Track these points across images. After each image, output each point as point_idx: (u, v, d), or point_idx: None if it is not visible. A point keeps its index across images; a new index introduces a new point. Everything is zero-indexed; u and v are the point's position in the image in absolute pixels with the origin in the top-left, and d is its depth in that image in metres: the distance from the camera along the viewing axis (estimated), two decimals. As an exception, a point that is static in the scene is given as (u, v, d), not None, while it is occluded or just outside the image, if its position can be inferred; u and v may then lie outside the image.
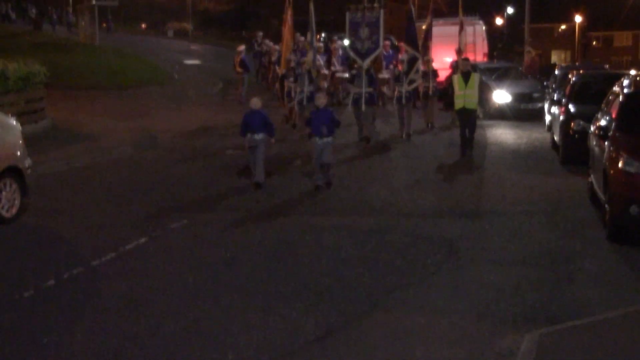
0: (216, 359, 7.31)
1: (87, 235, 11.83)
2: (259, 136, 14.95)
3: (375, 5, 21.71)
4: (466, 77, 18.63)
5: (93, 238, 11.62)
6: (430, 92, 23.39)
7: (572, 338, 7.58)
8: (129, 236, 11.63)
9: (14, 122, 13.65)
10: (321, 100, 15.11)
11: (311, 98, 20.59)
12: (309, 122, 15.28)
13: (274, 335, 7.87)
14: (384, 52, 26.46)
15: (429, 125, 23.88)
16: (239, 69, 30.60)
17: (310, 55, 22.64)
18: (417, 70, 21.83)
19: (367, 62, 21.04)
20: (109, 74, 39.04)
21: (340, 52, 29.32)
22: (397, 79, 22.17)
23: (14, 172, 12.74)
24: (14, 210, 12.63)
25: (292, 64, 23.24)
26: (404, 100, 21.45)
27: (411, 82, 21.62)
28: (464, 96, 18.49)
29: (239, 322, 8.26)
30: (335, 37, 32.96)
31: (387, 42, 28.00)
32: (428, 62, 23.47)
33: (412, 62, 21.81)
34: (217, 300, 8.92)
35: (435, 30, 31.12)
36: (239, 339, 7.76)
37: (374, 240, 11.55)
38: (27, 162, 13.28)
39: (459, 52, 24.61)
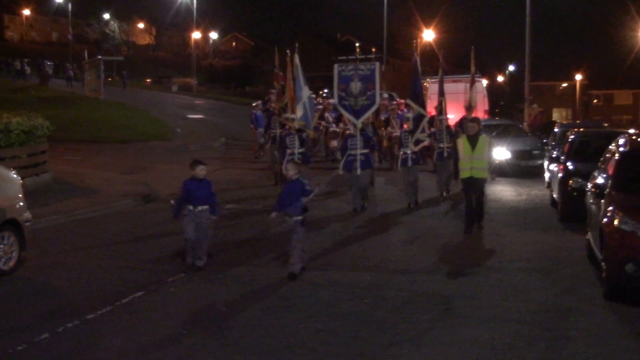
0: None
1: (85, 288, 11.82)
2: (203, 208, 12.78)
3: (371, 57, 20.23)
4: (474, 140, 15.86)
5: (90, 291, 11.61)
6: (446, 154, 21.25)
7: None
8: (126, 290, 11.60)
9: (14, 175, 13.73)
10: (290, 171, 12.63)
11: (302, 161, 18.70)
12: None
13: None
14: (399, 111, 26.35)
15: (443, 193, 21.51)
16: (252, 125, 31.51)
17: (299, 112, 20.04)
18: (424, 130, 19.78)
19: (361, 121, 18.98)
20: (113, 128, 39.40)
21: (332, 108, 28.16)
22: (401, 139, 20.44)
23: (13, 225, 12.76)
24: (11, 264, 12.63)
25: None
26: (409, 163, 19.46)
27: (418, 142, 19.57)
28: (471, 163, 15.85)
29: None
30: (324, 93, 32.50)
31: (403, 100, 27.83)
32: (442, 121, 21.97)
33: (418, 120, 19.66)
34: (211, 356, 8.87)
35: (435, 87, 31.58)
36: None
37: (370, 295, 11.47)
38: (26, 215, 13.31)
39: (469, 108, 22.96)
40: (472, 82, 24.40)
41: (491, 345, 9.23)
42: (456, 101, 27.97)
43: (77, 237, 16.02)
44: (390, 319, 10.33)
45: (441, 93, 22.99)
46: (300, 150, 19.30)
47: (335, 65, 19.10)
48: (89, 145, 34.28)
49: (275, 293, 11.57)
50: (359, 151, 18.48)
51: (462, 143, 16.06)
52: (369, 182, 20.09)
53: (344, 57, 20.17)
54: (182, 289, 11.92)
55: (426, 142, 20.42)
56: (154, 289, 11.66)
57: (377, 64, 19.31)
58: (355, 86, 18.67)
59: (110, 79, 70.57)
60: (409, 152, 19.47)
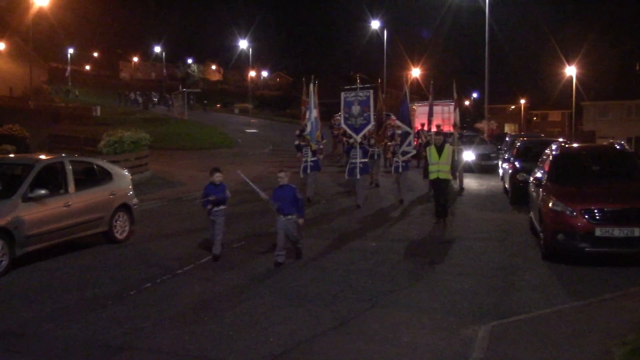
0: (263, 340, 7.27)
1: (174, 252, 11.83)
2: (219, 209, 11.31)
3: (367, 85, 18.34)
4: (440, 149, 14.72)
5: (178, 254, 11.61)
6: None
7: (515, 328, 7.43)
8: (203, 253, 11.59)
9: (126, 173, 13.81)
10: (282, 178, 10.88)
11: (312, 168, 18.05)
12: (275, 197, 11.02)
13: (301, 324, 7.80)
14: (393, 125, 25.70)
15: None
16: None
17: (308, 128, 18.41)
18: (410, 143, 18.28)
19: (359, 136, 17.64)
20: (193, 139, 39.45)
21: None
22: (394, 151, 19.38)
23: (125, 207, 12.87)
24: (125, 234, 12.75)
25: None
26: (400, 169, 18.31)
27: (404, 153, 18.16)
28: (438, 167, 14.71)
29: (276, 314, 8.21)
30: (337, 115, 31.20)
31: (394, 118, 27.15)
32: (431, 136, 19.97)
33: (404, 136, 18.31)
34: (262, 299, 8.90)
35: (421, 109, 31.44)
36: (278, 327, 7.73)
37: (375, 257, 11.43)
38: (134, 200, 13.40)
39: (454, 126, 21.79)
40: (456, 105, 22.93)
41: (461, 292, 9.18)
42: (439, 120, 27.72)
43: (169, 216, 16.09)
44: (390, 273, 10.29)
45: (430, 114, 22.31)
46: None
47: (342, 93, 18.06)
48: (176, 152, 34.34)
49: (307, 255, 11.47)
50: (358, 160, 17.25)
51: (430, 151, 14.82)
52: (367, 184, 18.88)
53: (349, 87, 18.16)
54: (243, 253, 11.92)
55: (412, 153, 18.73)
56: (225, 253, 11.59)
57: (372, 91, 17.86)
58: (356, 109, 17.63)
59: (192, 104, 70.81)
60: (399, 160, 18.22)
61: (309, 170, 18.14)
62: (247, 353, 6.91)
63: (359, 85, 17.91)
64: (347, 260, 11.19)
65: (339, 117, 28.38)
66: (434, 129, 21.59)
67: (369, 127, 18.00)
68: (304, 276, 10.10)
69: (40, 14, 53.91)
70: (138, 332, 7.54)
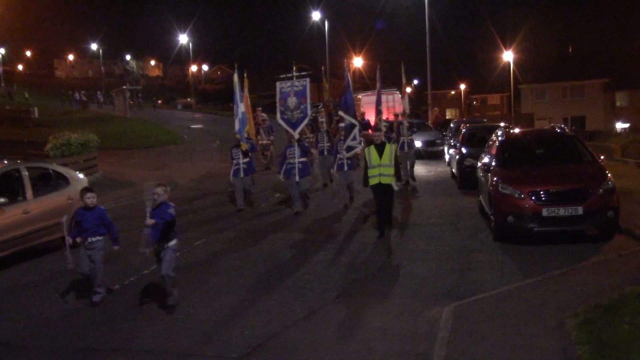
0: (238, 334, 7.53)
1: (137, 252, 11.87)
2: (95, 239, 8.78)
3: (304, 73, 16.25)
4: (380, 149, 12.38)
5: (138, 255, 11.68)
6: (406, 147, 19.09)
7: (476, 307, 7.89)
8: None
9: (82, 176, 13.75)
10: (160, 195, 8.43)
11: (246, 170, 16.08)
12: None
13: (274, 316, 8.10)
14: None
15: (409, 180, 19.19)
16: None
17: (236, 126, 16.43)
18: (355, 137, 15.68)
19: (297, 132, 15.56)
20: (138, 137, 38.93)
21: (268, 123, 24.60)
22: (337, 146, 16.44)
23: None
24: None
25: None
26: (345, 167, 15.78)
27: (349, 148, 15.67)
28: (380, 170, 12.30)
29: (249, 308, 8.48)
30: (259, 109, 26.97)
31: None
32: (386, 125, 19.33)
33: (349, 129, 15.78)
34: (233, 296, 9.13)
35: (366, 98, 31.76)
36: (252, 320, 8.01)
37: (335, 248, 11.72)
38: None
39: (404, 114, 20.54)
40: (404, 93, 22.15)
41: (421, 277, 9.61)
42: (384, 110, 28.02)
43: (125, 217, 16.05)
44: (353, 262, 10.67)
45: (379, 102, 19.65)
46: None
47: (277, 83, 15.88)
48: (122, 151, 33.88)
49: (270, 250, 11.78)
50: (297, 160, 15.21)
51: (368, 152, 12.46)
52: (308, 187, 16.14)
53: (284, 76, 15.98)
54: (204, 250, 12.11)
55: (358, 150, 15.82)
56: (184, 251, 11.68)
57: (308, 79, 15.73)
58: (292, 101, 15.59)
59: (131, 102, 69.50)
60: (344, 157, 15.75)
61: (241, 174, 16.00)
62: (225, 347, 7.17)
63: (294, 74, 15.85)
64: (309, 252, 11.45)
65: (262, 113, 25.64)
66: (390, 117, 20.55)
67: (306, 121, 15.99)
68: (271, 271, 10.37)
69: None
70: (117, 334, 7.70)
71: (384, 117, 21.95)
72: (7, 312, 8.73)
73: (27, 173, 11.57)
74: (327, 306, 8.42)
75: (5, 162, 11.96)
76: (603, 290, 7.99)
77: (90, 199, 8.84)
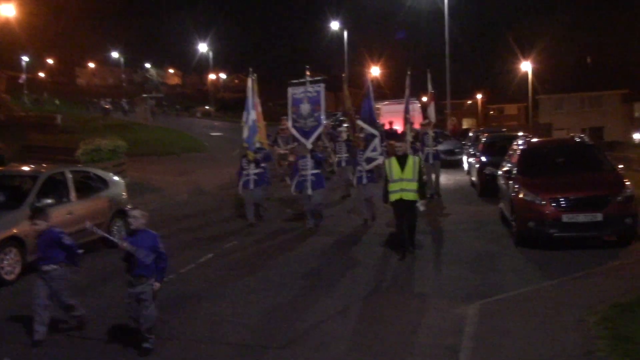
0: (277, 328, 8.06)
1: (172, 252, 12.40)
2: (48, 267, 7.49)
3: (318, 78, 14.65)
4: (403, 161, 11.37)
5: (175, 255, 12.16)
6: (431, 159, 18.18)
7: (500, 305, 8.35)
8: (200, 253, 12.22)
9: (119, 179, 14.36)
10: (137, 219, 7.31)
11: (256, 182, 14.94)
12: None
13: (310, 311, 8.57)
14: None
15: (434, 195, 18.07)
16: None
17: (245, 133, 15.24)
18: (375, 148, 14.52)
19: (310, 141, 14.35)
20: (163, 145, 39.56)
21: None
22: (357, 159, 15.13)
23: (122, 213, 13.38)
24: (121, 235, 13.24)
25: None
26: (364, 180, 14.58)
27: (369, 160, 14.49)
28: (401, 185, 11.27)
29: (288, 303, 8.97)
30: (284, 118, 22.74)
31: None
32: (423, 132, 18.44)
33: (369, 140, 14.68)
34: (266, 294, 9.58)
35: (386, 108, 32.01)
36: (288, 315, 8.51)
37: (364, 250, 12.16)
38: (129, 206, 13.89)
39: (429, 124, 19.27)
40: (432, 99, 21.08)
41: (448, 277, 10.07)
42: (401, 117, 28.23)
43: (154, 222, 16.55)
44: (379, 264, 11.12)
45: (407, 110, 18.01)
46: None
47: (289, 88, 14.73)
48: (147, 158, 34.48)
49: (306, 251, 12.29)
50: (309, 172, 14.08)
51: (389, 164, 11.49)
52: (322, 201, 14.86)
53: (296, 81, 14.67)
54: (236, 252, 12.60)
55: (380, 161, 14.37)
56: (219, 253, 12.25)
57: (323, 85, 14.47)
58: (305, 108, 14.36)
59: (155, 110, 70.32)
60: (363, 170, 14.62)
61: (251, 186, 14.89)
62: (266, 338, 7.66)
63: (308, 79, 14.53)
64: (323, 247, 11.88)
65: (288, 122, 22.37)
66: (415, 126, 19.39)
67: (320, 129, 14.82)
68: (310, 272, 10.83)
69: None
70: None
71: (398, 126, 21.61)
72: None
73: (71, 176, 12.21)
74: (359, 302, 8.87)
75: (44, 165, 12.58)
76: (621, 292, 8.38)
77: (38, 224, 7.58)
